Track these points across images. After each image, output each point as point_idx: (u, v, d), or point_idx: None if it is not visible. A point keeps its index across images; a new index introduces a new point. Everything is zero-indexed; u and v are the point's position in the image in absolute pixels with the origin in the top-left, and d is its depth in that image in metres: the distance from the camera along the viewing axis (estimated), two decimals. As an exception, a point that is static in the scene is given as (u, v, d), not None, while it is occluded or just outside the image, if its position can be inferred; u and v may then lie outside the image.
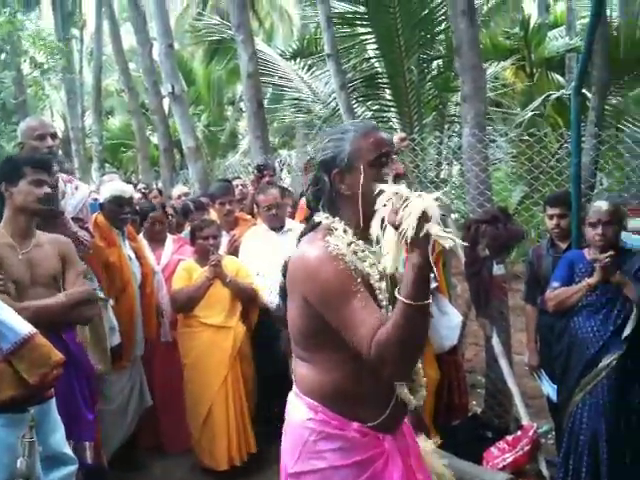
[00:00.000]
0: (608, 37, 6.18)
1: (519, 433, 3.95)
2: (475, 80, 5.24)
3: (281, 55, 10.51)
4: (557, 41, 12.45)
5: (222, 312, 4.39)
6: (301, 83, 9.84)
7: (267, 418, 4.51)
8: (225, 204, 5.07)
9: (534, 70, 11.13)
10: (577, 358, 3.54)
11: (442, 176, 8.22)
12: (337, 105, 7.60)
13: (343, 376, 1.84)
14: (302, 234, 1.97)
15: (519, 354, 5.25)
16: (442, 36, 8.60)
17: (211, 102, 16.66)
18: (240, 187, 6.15)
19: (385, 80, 8.73)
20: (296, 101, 10.05)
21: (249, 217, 5.15)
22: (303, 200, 5.26)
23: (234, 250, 4.85)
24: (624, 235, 4.26)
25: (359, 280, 1.75)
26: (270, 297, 4.45)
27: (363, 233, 1.83)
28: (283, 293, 1.97)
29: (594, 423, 3.46)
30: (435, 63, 9.04)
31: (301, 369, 1.93)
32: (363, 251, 1.84)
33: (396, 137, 5.37)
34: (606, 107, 6.52)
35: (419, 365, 1.97)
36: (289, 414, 1.98)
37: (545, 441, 4.33)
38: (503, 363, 4.40)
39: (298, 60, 10.46)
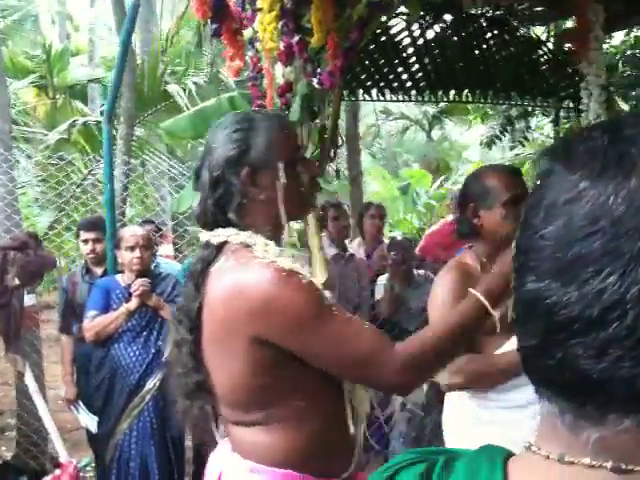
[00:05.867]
0: (135, 70, 6.41)
1: (57, 472, 3.70)
2: (-1, 97, 4.86)
3: None
4: (79, 70, 12.49)
5: None
6: None
7: None
8: None
9: (57, 95, 10.93)
10: (121, 385, 3.49)
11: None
12: None
13: (316, 429, 1.45)
14: (204, 263, 1.47)
15: (53, 388, 4.98)
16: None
17: None
18: None
19: None
20: None
21: None
22: None
23: None
24: (159, 259, 4.48)
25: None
26: None
27: (277, 244, 1.48)
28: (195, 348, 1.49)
29: (143, 448, 3.45)
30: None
31: (251, 436, 1.46)
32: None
33: None
34: (133, 138, 6.76)
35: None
36: None
37: (85, 475, 4.18)
38: (37, 400, 4.07)
39: None
